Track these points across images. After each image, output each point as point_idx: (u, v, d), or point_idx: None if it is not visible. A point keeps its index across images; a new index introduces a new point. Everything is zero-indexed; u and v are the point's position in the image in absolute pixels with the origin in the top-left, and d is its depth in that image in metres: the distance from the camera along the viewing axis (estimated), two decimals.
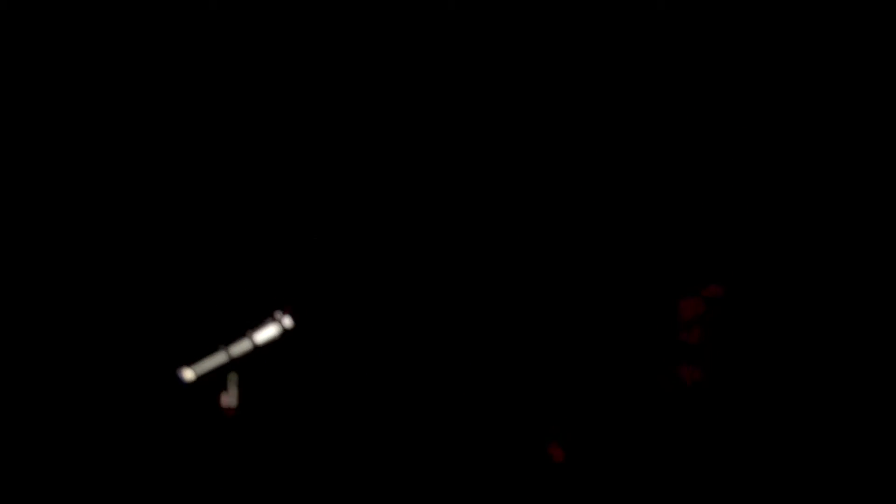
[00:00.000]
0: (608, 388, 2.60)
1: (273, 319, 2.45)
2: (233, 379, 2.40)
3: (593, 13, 3.66)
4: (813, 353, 2.78)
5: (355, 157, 3.79)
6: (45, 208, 3.78)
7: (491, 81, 3.77)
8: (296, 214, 3.82)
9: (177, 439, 3.37)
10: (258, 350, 2.42)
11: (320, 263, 3.75)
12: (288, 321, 2.44)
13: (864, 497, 2.58)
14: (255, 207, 3.84)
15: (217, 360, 2.39)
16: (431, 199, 3.77)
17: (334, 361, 3.69)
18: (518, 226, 3.66)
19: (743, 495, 2.37)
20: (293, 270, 3.72)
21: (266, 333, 2.45)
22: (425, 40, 3.75)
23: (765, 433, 2.42)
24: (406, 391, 3.69)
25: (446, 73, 3.72)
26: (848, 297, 2.98)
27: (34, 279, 3.76)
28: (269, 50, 3.79)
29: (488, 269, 3.65)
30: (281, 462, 3.62)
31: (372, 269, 3.74)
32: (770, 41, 3.53)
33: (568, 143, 3.69)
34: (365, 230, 3.76)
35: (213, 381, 2.34)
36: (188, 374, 2.35)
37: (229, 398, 2.36)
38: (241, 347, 2.42)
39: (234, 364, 2.40)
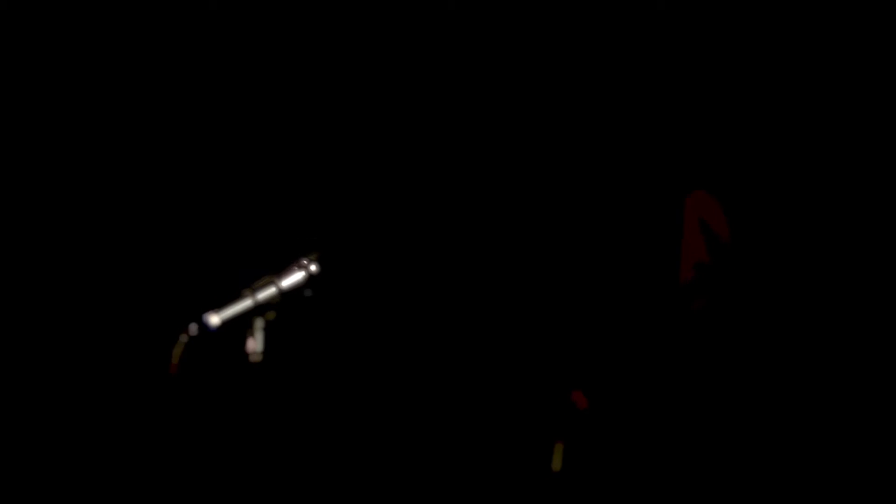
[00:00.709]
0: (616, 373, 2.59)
1: (299, 265, 2.44)
2: (258, 324, 2.39)
3: (593, 13, 3.64)
4: (807, 347, 2.78)
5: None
6: (60, 194, 3.79)
7: (491, 81, 3.76)
8: (321, 162, 3.81)
9: (201, 385, 3.38)
10: (284, 295, 2.41)
11: (347, 210, 3.74)
12: (314, 267, 2.43)
13: (862, 495, 2.58)
14: (279, 156, 3.83)
15: (243, 305, 2.38)
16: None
17: (359, 308, 3.69)
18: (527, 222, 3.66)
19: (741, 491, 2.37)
20: (320, 217, 3.71)
21: (292, 279, 2.43)
22: (425, 40, 3.74)
23: (760, 426, 2.41)
24: (428, 342, 3.68)
25: (446, 74, 3.72)
26: (843, 293, 2.98)
27: (52, 240, 3.77)
28: (269, 50, 3.79)
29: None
30: (304, 411, 3.62)
31: (398, 221, 3.73)
32: (770, 41, 3.51)
33: (568, 143, 3.68)
34: (388, 181, 3.75)
35: (238, 326, 2.33)
36: (214, 319, 2.34)
37: (255, 343, 2.35)
38: (266, 293, 2.41)
39: (260, 309, 2.39)
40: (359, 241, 3.72)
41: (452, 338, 3.67)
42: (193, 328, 2.30)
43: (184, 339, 2.30)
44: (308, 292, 2.42)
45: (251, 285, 2.40)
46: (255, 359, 2.36)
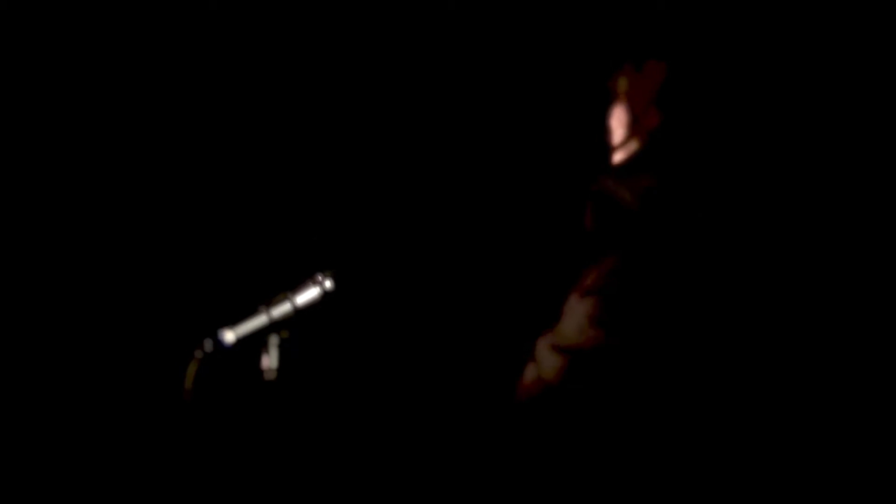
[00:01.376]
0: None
1: (314, 282, 2.43)
2: (273, 341, 2.38)
3: (593, 13, 3.64)
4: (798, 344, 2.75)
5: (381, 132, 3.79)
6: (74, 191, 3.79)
7: (490, 82, 3.76)
8: (337, 178, 3.81)
9: (216, 401, 3.37)
10: (299, 312, 2.41)
11: (362, 226, 3.73)
12: (329, 283, 2.42)
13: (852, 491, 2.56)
14: (292, 170, 3.83)
15: (258, 321, 2.38)
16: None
17: (374, 324, 3.68)
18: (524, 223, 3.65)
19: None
20: (335, 233, 3.71)
21: (307, 296, 2.43)
22: (425, 40, 3.74)
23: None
24: (444, 357, 3.67)
25: (446, 73, 3.72)
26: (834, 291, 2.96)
27: (73, 241, 3.77)
28: (269, 50, 3.79)
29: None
30: (319, 426, 3.61)
31: (412, 236, 3.72)
32: (770, 41, 3.50)
33: (567, 143, 3.68)
34: (405, 196, 3.74)
35: (253, 342, 2.33)
36: (228, 335, 2.33)
37: (270, 360, 2.34)
38: (281, 309, 2.40)
39: (274, 326, 2.38)
40: (374, 257, 3.71)
41: (468, 353, 3.66)
42: (208, 345, 2.30)
43: (198, 355, 2.29)
44: (328, 285, 2.40)
45: (266, 302, 2.40)
46: (269, 376, 2.35)
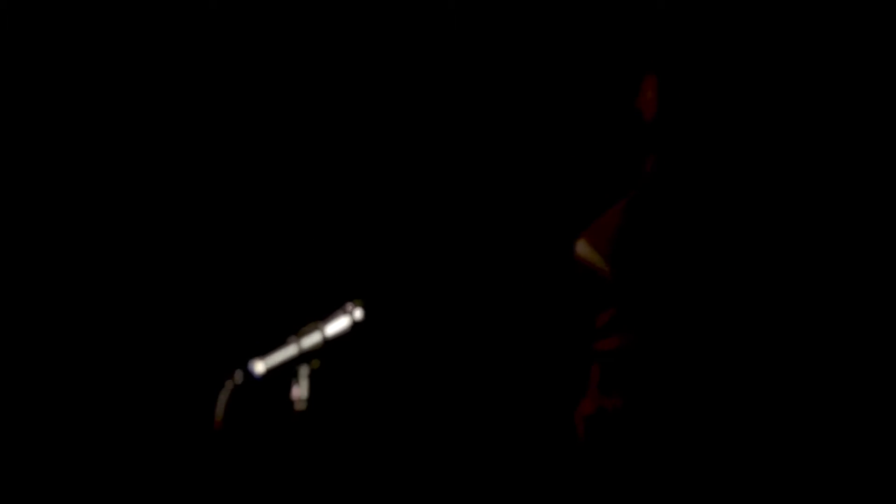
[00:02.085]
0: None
1: (344, 311, 2.43)
2: (303, 371, 2.37)
3: (593, 13, 3.63)
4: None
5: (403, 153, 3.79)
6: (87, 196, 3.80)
7: (491, 82, 3.76)
8: (365, 205, 3.81)
9: (247, 431, 3.36)
10: (329, 342, 2.40)
11: (391, 255, 3.73)
12: (359, 313, 2.42)
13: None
14: (323, 199, 3.84)
15: (288, 352, 2.37)
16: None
17: (404, 354, 3.67)
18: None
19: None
20: (364, 261, 3.71)
21: (337, 325, 2.42)
22: (425, 40, 3.74)
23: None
24: (471, 387, 3.66)
25: (446, 74, 3.71)
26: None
27: (95, 263, 3.78)
28: (269, 50, 3.79)
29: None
30: (349, 454, 3.61)
31: (438, 261, 3.71)
32: (771, 41, 3.49)
33: (567, 143, 3.67)
34: (435, 223, 3.74)
35: (283, 373, 2.33)
36: (259, 366, 2.33)
37: (300, 390, 2.33)
38: (311, 340, 2.40)
39: (304, 356, 2.38)
40: (403, 287, 3.71)
41: (496, 379, 3.65)
42: (239, 376, 2.30)
43: (229, 386, 2.29)
44: (358, 314, 2.40)
45: (296, 332, 2.40)
46: (300, 406, 2.35)
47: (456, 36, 3.75)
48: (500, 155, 3.73)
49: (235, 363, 2.33)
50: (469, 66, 3.75)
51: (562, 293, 3.57)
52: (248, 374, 2.29)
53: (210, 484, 3.54)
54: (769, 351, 2.31)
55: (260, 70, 3.85)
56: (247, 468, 3.57)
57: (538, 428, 3.56)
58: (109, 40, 3.80)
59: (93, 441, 3.73)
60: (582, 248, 2.49)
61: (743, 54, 2.71)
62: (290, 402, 2.35)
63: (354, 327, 2.41)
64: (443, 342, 3.71)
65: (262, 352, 2.33)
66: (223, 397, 2.28)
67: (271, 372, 2.31)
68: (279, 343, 2.37)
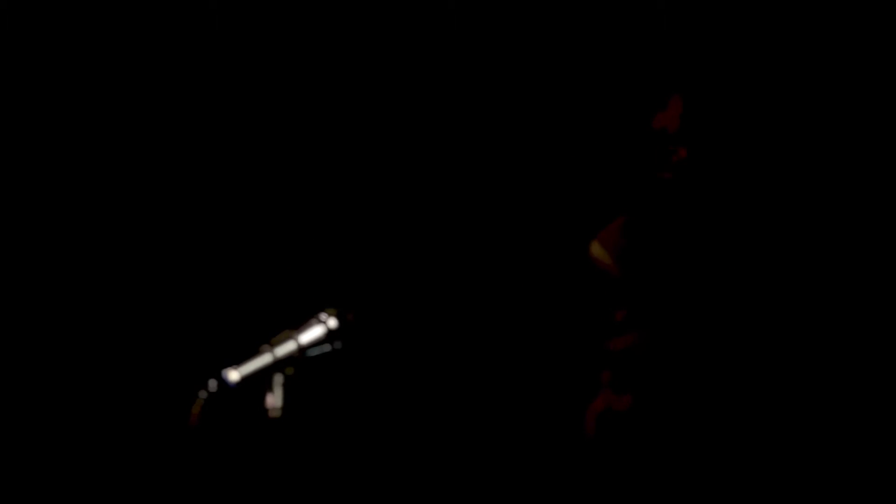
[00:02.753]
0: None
1: (318, 320, 2.43)
2: (278, 380, 2.38)
3: (593, 13, 3.64)
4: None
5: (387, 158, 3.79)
6: (74, 206, 3.79)
7: (490, 82, 3.77)
8: (340, 214, 3.81)
9: (221, 440, 3.36)
10: (303, 351, 2.41)
11: (365, 264, 3.73)
12: (333, 322, 2.43)
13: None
14: (297, 207, 3.84)
15: (262, 361, 2.38)
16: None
17: (379, 362, 3.67)
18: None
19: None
20: (338, 271, 3.71)
21: (311, 334, 2.43)
22: (425, 40, 3.74)
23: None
24: (448, 396, 3.66)
25: (446, 74, 3.72)
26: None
27: (66, 277, 3.77)
28: (270, 50, 3.79)
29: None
30: (324, 463, 3.61)
31: (414, 268, 3.72)
32: (771, 41, 3.50)
33: (566, 143, 3.68)
34: (410, 229, 3.75)
35: (257, 382, 2.33)
36: (233, 375, 2.33)
37: (274, 399, 2.34)
38: (285, 348, 2.41)
39: (279, 365, 2.38)
40: (379, 296, 3.71)
41: (473, 391, 3.65)
42: (213, 384, 2.30)
43: (203, 395, 2.30)
44: (336, 345, 2.42)
45: (270, 341, 2.40)
46: (274, 415, 2.35)
47: (457, 43, 3.76)
48: (517, 158, 3.74)
49: (209, 372, 2.33)
50: (473, 68, 3.76)
51: (575, 294, 3.58)
52: (223, 383, 2.30)
53: (185, 492, 3.54)
54: (779, 354, 2.33)
55: (230, 94, 3.86)
56: (221, 476, 3.56)
57: (546, 426, 3.57)
58: (109, 40, 3.79)
59: (66, 452, 3.72)
60: (596, 249, 2.52)
61: (760, 65, 2.74)
62: (265, 411, 2.35)
63: (329, 336, 2.42)
64: (436, 345, 3.72)
65: (236, 361, 2.34)
66: (197, 407, 2.29)
67: (245, 380, 2.32)
68: (253, 352, 2.37)
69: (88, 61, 3.80)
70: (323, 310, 2.44)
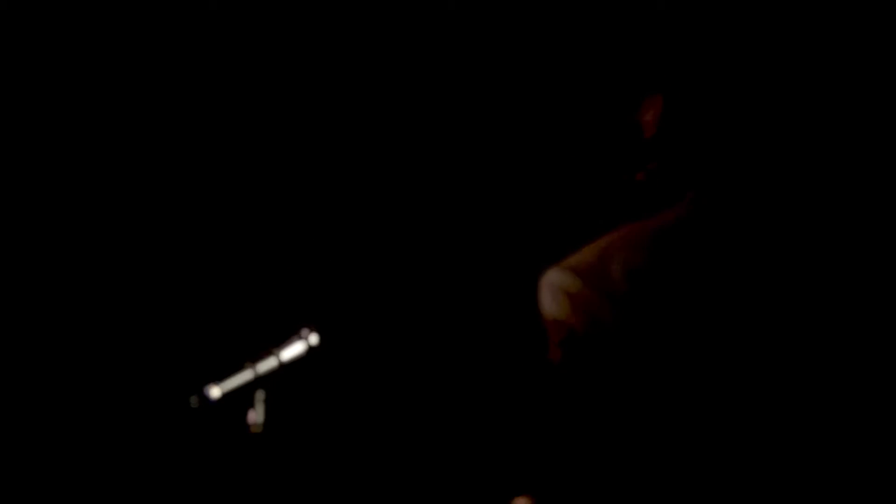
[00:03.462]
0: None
1: (299, 336, 2.45)
2: (259, 396, 2.40)
3: (593, 13, 3.66)
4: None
5: (373, 167, 3.80)
6: (60, 216, 3.79)
7: (490, 82, 3.78)
8: (320, 231, 3.83)
9: (203, 457, 3.37)
10: (284, 367, 2.43)
11: (345, 280, 3.75)
12: (314, 338, 2.45)
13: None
14: (278, 224, 3.85)
15: (243, 377, 2.40)
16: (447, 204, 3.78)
17: (359, 378, 3.69)
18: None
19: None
20: (318, 287, 3.73)
21: (292, 350, 2.45)
22: (425, 40, 3.75)
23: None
24: (430, 410, 3.68)
25: (446, 74, 3.73)
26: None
27: (50, 291, 3.78)
28: (270, 50, 3.80)
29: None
30: (306, 479, 3.62)
31: (394, 285, 3.73)
32: (771, 42, 3.53)
33: (566, 144, 3.69)
34: (386, 243, 3.76)
35: (239, 398, 2.35)
36: (214, 391, 2.35)
37: (256, 415, 2.36)
38: (267, 365, 2.42)
39: (260, 381, 2.40)
40: (358, 312, 3.73)
41: (455, 407, 3.67)
42: (194, 400, 2.32)
43: (186, 410, 2.32)
44: (313, 340, 2.43)
45: (252, 357, 2.42)
46: (255, 430, 2.37)
47: (449, 46, 3.77)
48: (495, 160, 3.75)
49: (192, 388, 2.35)
50: (449, 69, 3.77)
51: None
52: (205, 399, 2.32)
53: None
54: (753, 358, 2.31)
55: (206, 105, 3.87)
56: (203, 491, 3.57)
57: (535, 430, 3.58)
58: (108, 40, 3.80)
59: (48, 464, 3.72)
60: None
61: (742, 69, 2.74)
62: (246, 426, 2.37)
63: (310, 352, 2.44)
64: (399, 366, 3.73)
65: (218, 377, 2.35)
66: (180, 421, 2.30)
67: (227, 396, 2.33)
68: (235, 368, 2.39)
69: (88, 61, 3.80)
70: (304, 326, 2.46)
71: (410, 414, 3.69)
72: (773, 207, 2.57)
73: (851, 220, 3.18)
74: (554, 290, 2.25)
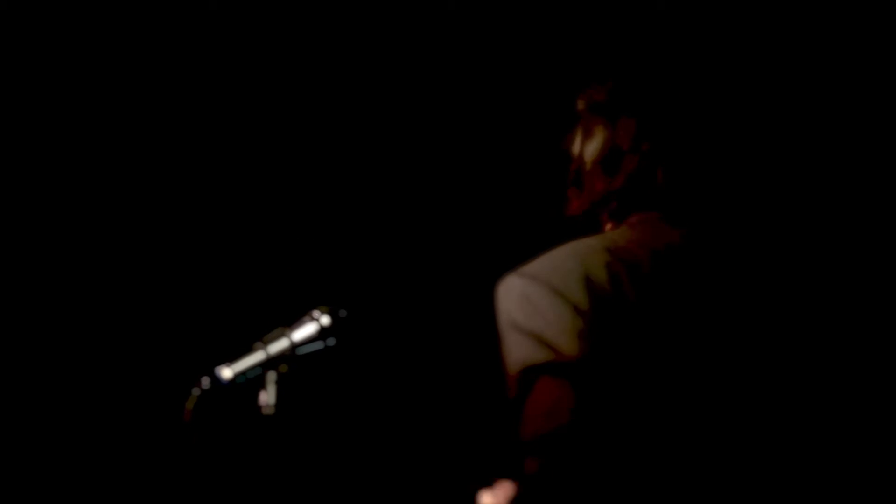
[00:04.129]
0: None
1: (311, 318, 2.44)
2: (271, 377, 2.38)
3: (593, 13, 3.65)
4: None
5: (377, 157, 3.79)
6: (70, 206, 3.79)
7: (489, 82, 3.78)
8: (331, 212, 3.82)
9: (214, 437, 3.37)
10: (296, 348, 2.41)
11: (358, 261, 3.74)
12: (326, 319, 2.43)
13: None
14: (290, 205, 3.84)
15: (255, 358, 2.38)
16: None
17: (372, 360, 3.68)
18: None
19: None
20: (331, 268, 3.72)
21: (304, 331, 2.43)
22: (425, 40, 3.75)
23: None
24: (440, 390, 3.67)
25: (446, 74, 3.73)
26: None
27: (60, 271, 3.78)
28: (270, 50, 3.80)
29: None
30: (316, 462, 3.61)
31: (406, 265, 3.73)
32: (771, 42, 3.51)
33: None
34: (401, 227, 3.75)
35: (251, 379, 2.34)
36: (226, 372, 2.34)
37: (267, 396, 2.35)
38: (279, 346, 2.41)
39: (272, 362, 2.39)
40: (372, 294, 3.72)
41: (467, 388, 3.66)
42: (205, 382, 2.31)
43: (196, 392, 2.30)
44: (329, 341, 2.42)
45: (263, 338, 2.41)
46: (267, 412, 2.36)
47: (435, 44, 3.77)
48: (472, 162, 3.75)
49: (202, 370, 2.34)
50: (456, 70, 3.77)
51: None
52: (216, 381, 2.30)
53: (178, 491, 3.54)
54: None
55: (216, 83, 3.86)
56: (215, 473, 3.57)
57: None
58: (108, 40, 3.80)
59: (57, 452, 3.72)
60: None
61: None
62: (258, 408, 2.36)
63: (321, 333, 2.42)
64: (411, 348, 3.72)
65: (229, 358, 2.34)
66: (190, 404, 2.29)
67: (238, 378, 2.32)
68: (246, 349, 2.38)
69: (87, 61, 3.80)
70: (316, 307, 2.44)
71: (421, 396, 3.68)
72: (732, 222, 2.54)
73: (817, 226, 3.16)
74: (515, 296, 2.23)
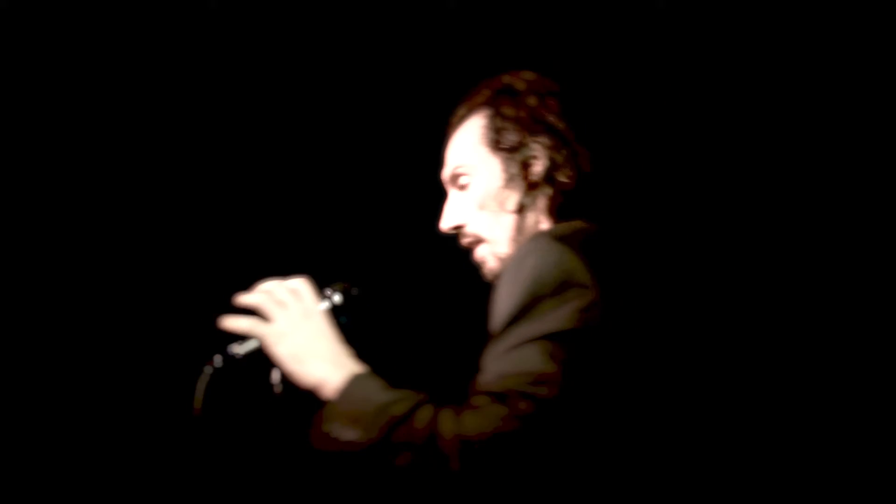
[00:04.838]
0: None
1: (323, 296, 2.44)
2: None
3: (593, 13, 3.65)
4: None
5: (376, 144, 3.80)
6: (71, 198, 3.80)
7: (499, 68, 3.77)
8: (344, 192, 3.82)
9: (226, 416, 3.38)
10: None
11: (371, 240, 3.74)
12: (338, 297, 2.44)
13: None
14: (303, 184, 3.85)
15: None
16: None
17: (383, 337, 3.69)
18: None
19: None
20: (344, 247, 3.72)
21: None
22: (425, 40, 3.75)
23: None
24: (451, 367, 3.68)
25: (446, 74, 3.73)
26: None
27: (72, 255, 3.79)
28: (270, 50, 3.81)
29: None
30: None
31: (419, 244, 3.73)
32: (771, 42, 3.51)
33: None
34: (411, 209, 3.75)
35: (262, 357, 2.34)
36: (238, 350, 2.35)
37: (279, 374, 2.35)
38: None
39: None
40: (385, 272, 3.72)
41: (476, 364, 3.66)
42: (218, 360, 2.31)
43: (208, 370, 2.31)
44: (342, 319, 2.42)
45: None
46: (279, 389, 2.36)
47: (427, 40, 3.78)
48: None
49: (215, 348, 2.34)
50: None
51: None
52: (228, 358, 2.31)
53: (189, 467, 3.55)
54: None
55: (221, 75, 3.87)
56: (226, 451, 3.58)
57: None
58: (109, 40, 3.81)
59: (72, 429, 3.73)
60: None
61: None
62: (270, 386, 2.36)
63: (334, 311, 2.43)
64: (423, 325, 3.73)
65: (242, 336, 2.35)
66: (202, 382, 2.30)
67: (250, 356, 2.33)
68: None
69: (87, 61, 3.81)
70: (328, 285, 2.45)
71: (432, 373, 3.68)
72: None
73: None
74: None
